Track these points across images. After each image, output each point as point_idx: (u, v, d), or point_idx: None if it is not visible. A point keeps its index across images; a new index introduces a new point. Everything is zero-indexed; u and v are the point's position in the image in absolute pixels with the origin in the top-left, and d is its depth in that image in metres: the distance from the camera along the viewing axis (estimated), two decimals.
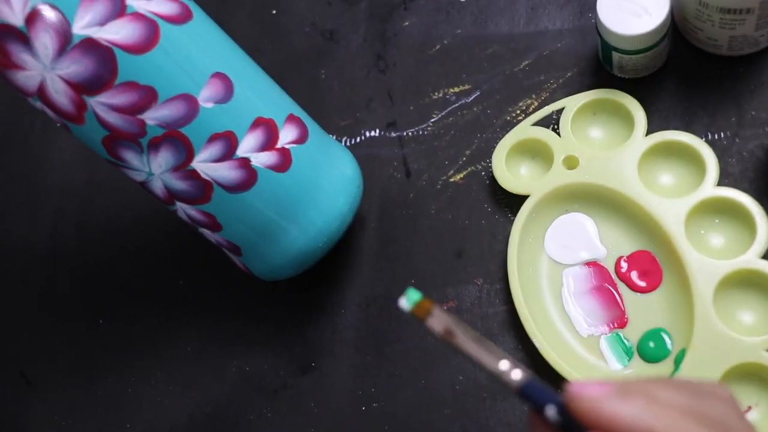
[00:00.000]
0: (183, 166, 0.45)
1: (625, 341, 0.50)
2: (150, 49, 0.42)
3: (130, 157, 0.45)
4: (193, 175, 0.45)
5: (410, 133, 0.57)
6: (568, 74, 0.56)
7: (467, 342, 0.31)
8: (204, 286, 0.57)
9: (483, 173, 0.55)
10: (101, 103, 0.42)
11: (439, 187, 0.56)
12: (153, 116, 0.43)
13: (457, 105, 0.57)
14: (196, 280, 0.57)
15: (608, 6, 0.51)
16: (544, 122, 0.54)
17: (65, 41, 0.40)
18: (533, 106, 0.56)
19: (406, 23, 0.60)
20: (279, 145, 0.47)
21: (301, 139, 0.48)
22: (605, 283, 0.51)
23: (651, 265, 0.51)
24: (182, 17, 0.44)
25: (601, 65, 0.55)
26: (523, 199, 0.53)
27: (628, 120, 0.53)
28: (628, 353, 0.50)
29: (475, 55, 0.58)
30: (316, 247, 0.49)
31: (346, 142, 0.58)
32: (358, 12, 0.61)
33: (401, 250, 0.55)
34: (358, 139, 0.58)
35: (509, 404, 0.51)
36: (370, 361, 0.53)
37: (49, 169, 0.63)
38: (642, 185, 0.51)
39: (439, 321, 0.32)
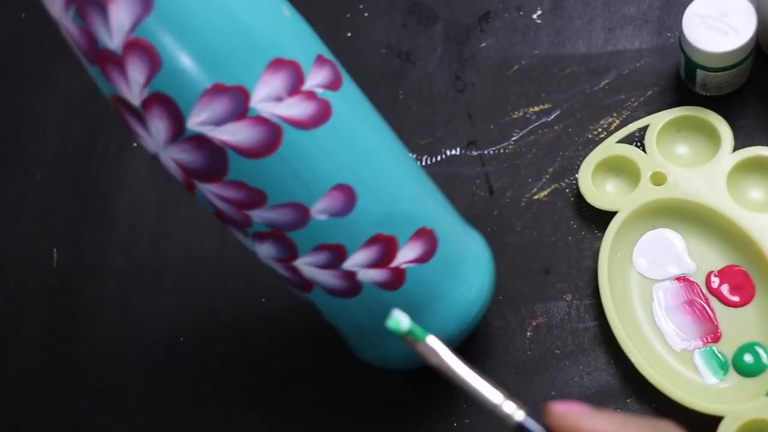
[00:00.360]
0: (285, 261, 0.43)
1: (719, 355, 0.50)
2: (266, 155, 0.39)
3: (236, 232, 0.43)
4: (294, 270, 0.43)
5: (491, 152, 0.58)
6: (649, 93, 0.57)
7: (461, 370, 0.31)
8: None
9: (567, 190, 0.56)
10: (209, 191, 0.40)
11: (523, 204, 0.56)
12: (259, 215, 0.41)
13: (537, 124, 0.58)
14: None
15: (694, 24, 0.52)
16: (627, 140, 0.55)
17: (177, 132, 0.38)
18: (615, 125, 0.56)
19: (483, 44, 0.61)
20: (394, 264, 0.43)
21: (424, 258, 0.44)
22: (696, 297, 0.52)
23: (743, 279, 0.51)
24: (315, 120, 0.40)
25: (681, 83, 0.56)
26: (608, 215, 0.53)
27: (713, 136, 0.53)
28: (724, 367, 0.50)
29: (554, 75, 0.59)
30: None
31: (426, 160, 0.59)
32: (434, 34, 0.62)
33: None
34: (438, 158, 0.59)
35: None
36: None
37: (124, 189, 0.63)
38: (731, 200, 0.51)
39: (428, 349, 0.32)
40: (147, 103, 0.38)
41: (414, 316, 0.37)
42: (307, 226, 0.41)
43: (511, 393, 0.51)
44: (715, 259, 0.52)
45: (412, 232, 0.44)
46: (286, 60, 0.39)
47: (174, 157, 0.39)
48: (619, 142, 0.55)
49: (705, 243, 0.52)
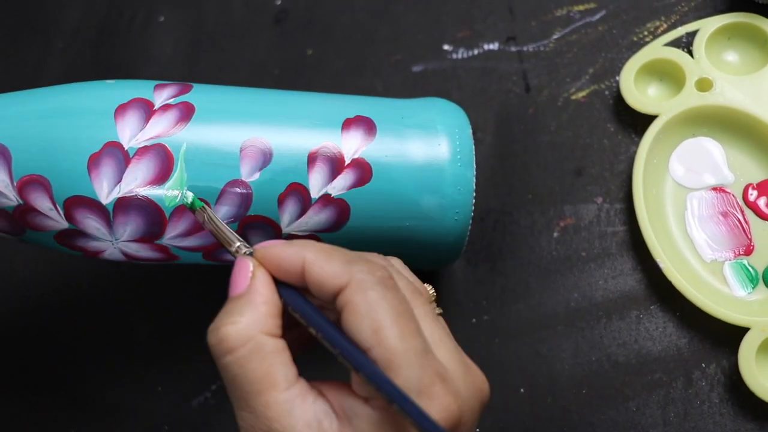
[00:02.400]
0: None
1: (750, 269, 0.49)
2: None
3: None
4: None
5: (531, 48, 0.56)
6: None
7: (216, 227, 0.38)
8: None
9: (606, 92, 0.54)
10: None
11: (560, 103, 0.55)
12: None
13: (581, 23, 0.56)
14: None
15: None
16: (673, 44, 0.53)
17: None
18: (662, 29, 0.55)
19: None
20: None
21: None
22: (732, 209, 0.50)
23: None
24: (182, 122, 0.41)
25: None
26: (647, 121, 0.52)
27: (765, 45, 0.51)
28: (753, 281, 0.49)
29: None
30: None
31: (462, 54, 0.57)
32: None
33: (518, 164, 0.54)
34: (475, 52, 0.57)
35: (625, 324, 0.50)
36: (482, 274, 0.52)
37: (150, 63, 0.61)
38: None
39: (200, 215, 0.39)
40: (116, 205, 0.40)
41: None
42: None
43: (532, 292, 0.51)
44: (755, 171, 0.51)
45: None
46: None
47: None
48: (665, 45, 0.53)
49: (746, 154, 0.51)
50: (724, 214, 0.50)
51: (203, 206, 0.39)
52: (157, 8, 0.63)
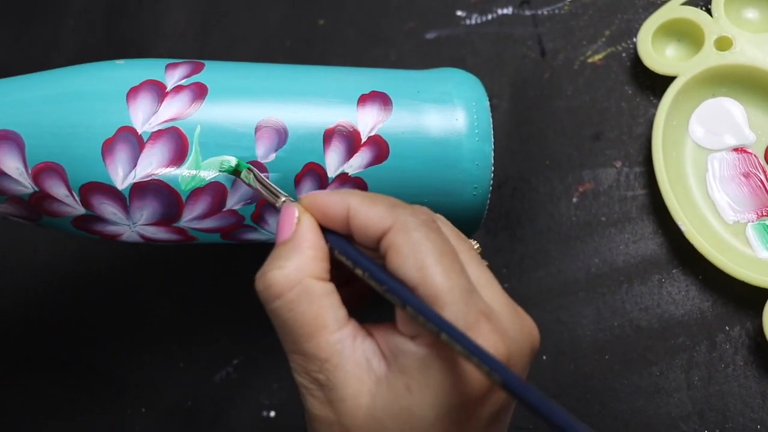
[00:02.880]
0: None
1: None
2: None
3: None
4: None
5: (545, 12, 0.55)
6: None
7: (263, 185, 0.38)
8: None
9: (623, 54, 0.53)
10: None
11: (576, 67, 0.54)
12: None
13: None
14: None
15: None
16: (691, 3, 0.52)
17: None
18: None
19: None
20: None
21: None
22: (753, 169, 0.50)
23: None
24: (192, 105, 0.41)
25: None
26: (665, 82, 0.51)
27: None
28: None
29: None
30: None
31: (476, 19, 0.56)
32: None
33: (535, 130, 0.53)
34: (489, 17, 0.56)
35: (646, 288, 0.49)
36: (501, 242, 0.52)
37: (161, 39, 0.61)
38: None
39: (246, 175, 0.39)
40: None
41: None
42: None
43: (552, 259, 0.51)
44: None
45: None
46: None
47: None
48: (683, 4, 0.52)
49: (767, 114, 0.50)
50: (746, 175, 0.50)
51: (249, 167, 0.39)
52: None
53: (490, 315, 0.32)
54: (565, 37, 0.54)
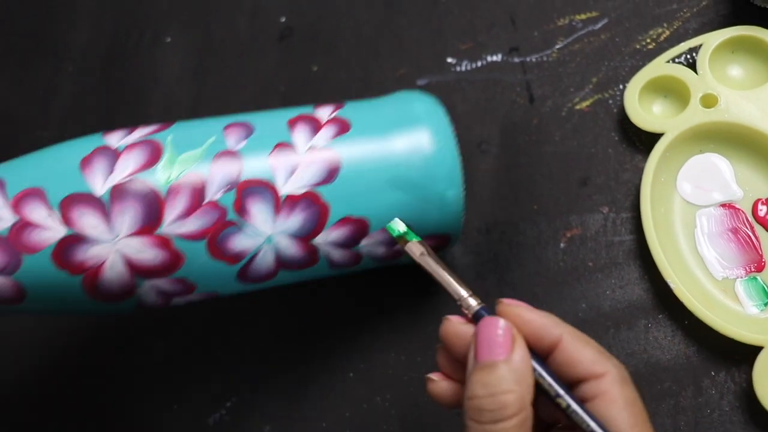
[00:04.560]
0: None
1: (763, 286, 0.49)
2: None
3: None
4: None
5: (534, 59, 0.56)
6: (703, 3, 0.54)
7: (438, 267, 0.39)
8: None
9: (610, 101, 0.54)
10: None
11: (564, 114, 0.55)
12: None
13: (583, 32, 0.56)
14: None
15: None
16: (677, 59, 0.53)
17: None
18: (665, 36, 0.54)
19: None
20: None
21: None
22: (742, 225, 0.50)
23: None
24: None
25: None
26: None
27: None
28: (766, 297, 0.48)
29: None
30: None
31: (465, 66, 0.57)
32: None
33: (524, 176, 0.54)
34: (478, 64, 0.57)
35: (633, 333, 0.50)
36: (490, 286, 0.53)
37: (158, 84, 0.62)
38: None
39: (416, 247, 0.40)
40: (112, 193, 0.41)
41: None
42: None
43: (540, 303, 0.52)
44: (764, 186, 0.50)
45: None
46: None
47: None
48: (668, 61, 0.53)
49: (754, 170, 0.51)
50: (734, 231, 0.50)
51: (420, 240, 0.40)
52: (163, 29, 0.64)
53: None
54: (553, 84, 0.55)
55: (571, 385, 0.36)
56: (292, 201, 0.42)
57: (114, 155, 0.41)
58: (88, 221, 0.40)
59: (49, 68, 0.65)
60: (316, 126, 0.44)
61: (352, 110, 0.46)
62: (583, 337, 0.36)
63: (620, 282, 0.51)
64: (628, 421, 0.33)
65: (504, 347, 0.35)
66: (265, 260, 0.43)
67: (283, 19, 0.62)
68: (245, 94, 0.60)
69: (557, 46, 0.56)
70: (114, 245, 0.40)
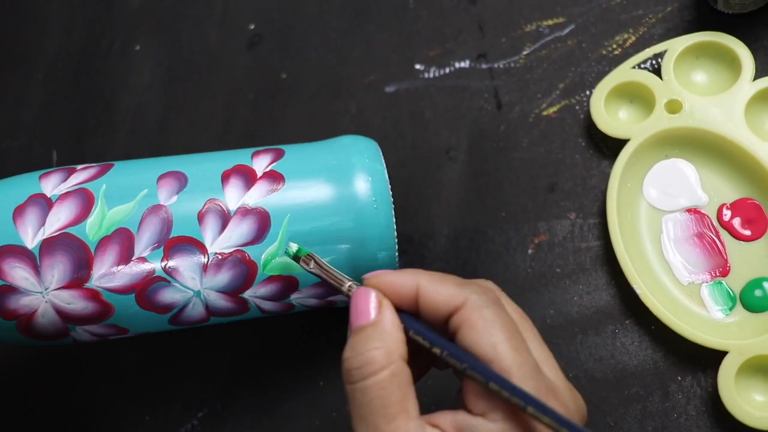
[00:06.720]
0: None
1: (728, 290, 0.49)
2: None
3: None
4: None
5: (501, 65, 0.56)
6: (668, 9, 0.54)
7: (325, 272, 0.40)
8: None
9: (577, 107, 0.54)
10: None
11: (531, 120, 0.55)
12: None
13: (550, 38, 0.56)
14: None
15: None
16: (642, 65, 0.53)
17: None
18: (630, 41, 0.55)
19: None
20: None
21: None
22: (707, 230, 0.50)
23: (755, 213, 0.49)
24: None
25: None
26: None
27: (733, 64, 0.51)
28: (731, 302, 0.49)
29: None
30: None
31: (434, 72, 0.57)
32: None
33: (491, 182, 0.54)
34: (447, 70, 0.57)
35: (601, 339, 0.50)
36: None
37: (128, 92, 0.62)
38: (749, 131, 0.49)
39: (306, 262, 0.41)
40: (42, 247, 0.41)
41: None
42: None
43: None
44: (728, 191, 0.50)
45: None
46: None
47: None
48: (634, 67, 0.53)
49: (718, 174, 0.51)
50: (700, 236, 0.50)
51: (309, 253, 0.41)
52: (133, 37, 0.64)
53: (556, 391, 0.35)
54: (521, 90, 0.56)
55: (444, 326, 0.36)
56: (220, 259, 0.42)
57: (47, 205, 0.41)
58: (19, 273, 0.41)
59: (19, 76, 0.65)
60: (250, 179, 0.43)
61: (289, 161, 0.45)
62: (441, 277, 0.37)
63: (588, 288, 0.51)
64: (488, 342, 0.34)
65: (367, 311, 0.36)
66: (196, 310, 0.44)
67: (252, 27, 0.62)
68: (215, 101, 0.60)
69: (524, 52, 0.56)
70: (45, 296, 0.41)
